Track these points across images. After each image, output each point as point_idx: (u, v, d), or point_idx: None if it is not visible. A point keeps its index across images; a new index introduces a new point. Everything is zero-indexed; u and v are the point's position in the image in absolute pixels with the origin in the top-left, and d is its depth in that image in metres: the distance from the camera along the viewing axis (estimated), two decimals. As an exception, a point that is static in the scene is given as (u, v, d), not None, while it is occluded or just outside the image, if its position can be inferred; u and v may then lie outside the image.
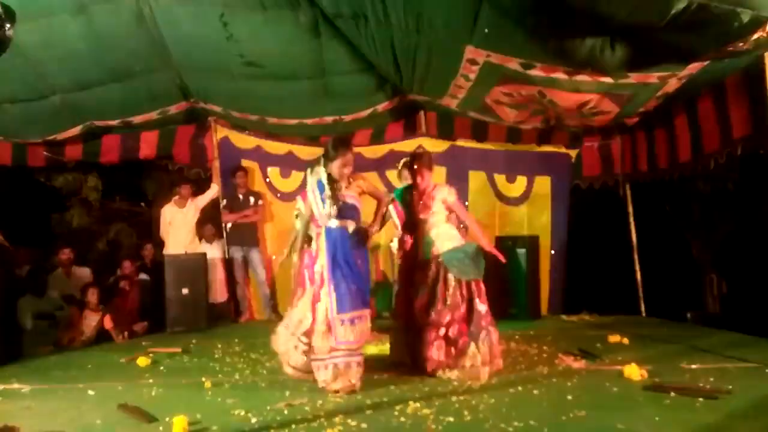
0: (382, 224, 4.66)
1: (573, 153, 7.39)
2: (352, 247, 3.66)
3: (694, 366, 3.99)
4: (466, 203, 6.71)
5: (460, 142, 7.28)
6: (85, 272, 6.81)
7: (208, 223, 7.24)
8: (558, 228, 7.31)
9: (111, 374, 4.22)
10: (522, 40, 4.84)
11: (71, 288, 6.36)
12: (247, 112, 6.71)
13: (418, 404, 3.18)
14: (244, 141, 7.20)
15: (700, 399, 3.17)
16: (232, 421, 2.98)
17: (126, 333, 6.05)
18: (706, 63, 4.80)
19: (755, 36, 4.16)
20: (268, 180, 7.23)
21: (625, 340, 5.07)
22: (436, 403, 3.22)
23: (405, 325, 4.12)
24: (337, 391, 3.47)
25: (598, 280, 6.54)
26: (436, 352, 3.89)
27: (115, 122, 6.57)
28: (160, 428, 2.91)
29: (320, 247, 3.70)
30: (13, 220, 6.43)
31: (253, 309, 7.11)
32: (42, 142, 6.74)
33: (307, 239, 3.90)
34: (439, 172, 7.20)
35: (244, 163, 7.13)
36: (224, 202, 7.02)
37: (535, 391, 3.46)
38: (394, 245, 4.58)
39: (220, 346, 5.16)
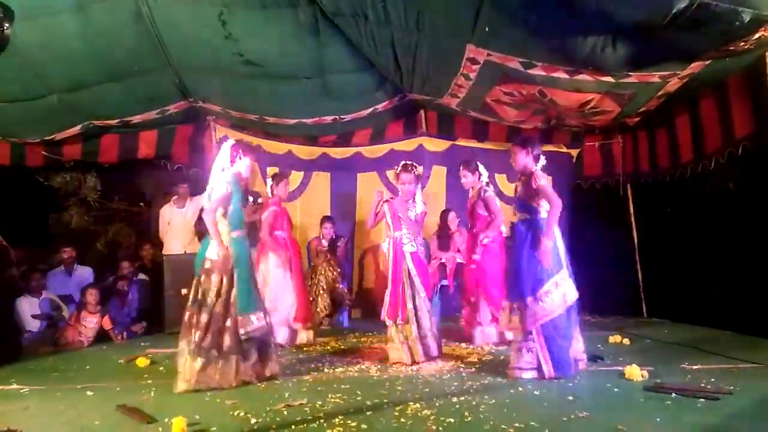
0: (376, 223, 4.67)
1: (574, 152, 7.38)
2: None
3: (695, 366, 3.98)
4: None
5: (461, 142, 7.26)
6: (86, 272, 6.78)
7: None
8: (559, 228, 7.26)
9: (110, 375, 4.21)
10: (523, 39, 4.83)
11: (71, 288, 6.33)
12: (247, 111, 6.69)
13: (418, 405, 3.16)
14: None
15: (702, 400, 3.16)
16: (231, 422, 2.96)
17: (124, 333, 6.03)
18: (707, 62, 4.79)
19: (757, 35, 4.15)
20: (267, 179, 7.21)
21: (626, 341, 5.07)
22: (436, 403, 3.21)
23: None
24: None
25: (599, 281, 6.50)
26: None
27: (113, 122, 6.55)
28: (159, 429, 2.89)
29: None
30: (11, 219, 6.40)
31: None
32: (40, 142, 6.72)
33: None
34: (440, 172, 7.20)
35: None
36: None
37: (536, 392, 3.45)
38: (385, 245, 4.55)
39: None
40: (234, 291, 3.79)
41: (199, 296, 3.79)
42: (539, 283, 3.77)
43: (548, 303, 3.74)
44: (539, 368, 3.76)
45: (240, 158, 3.99)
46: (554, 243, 3.86)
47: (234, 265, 3.81)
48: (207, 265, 3.83)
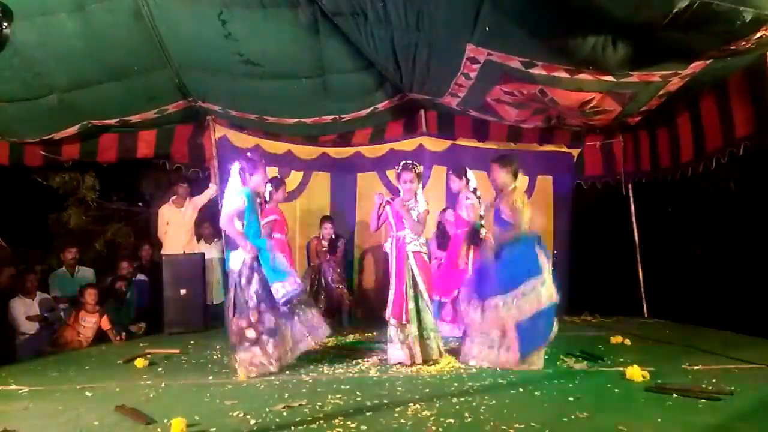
0: (379, 226, 4.67)
1: (575, 152, 7.38)
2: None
3: (696, 367, 3.97)
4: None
5: (461, 142, 7.24)
6: (88, 273, 6.77)
7: (207, 222, 7.20)
8: (560, 228, 7.28)
9: (109, 375, 4.19)
10: (523, 39, 4.82)
11: (74, 289, 6.31)
12: (246, 111, 6.67)
13: (418, 406, 3.15)
14: (242, 140, 7.15)
15: (703, 400, 3.15)
16: (230, 423, 2.95)
17: (123, 334, 6.02)
18: (708, 62, 4.78)
19: (758, 35, 4.14)
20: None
21: (627, 341, 5.06)
22: (436, 404, 3.20)
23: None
24: None
25: (600, 281, 6.51)
26: None
27: (112, 121, 6.53)
28: (159, 430, 2.88)
29: None
30: (9, 220, 6.39)
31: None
32: (39, 142, 6.70)
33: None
34: (440, 172, 7.19)
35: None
36: (223, 201, 6.99)
37: (537, 393, 3.44)
38: (388, 245, 4.56)
39: (218, 347, 5.13)
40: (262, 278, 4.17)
41: (238, 301, 4.15)
42: (514, 286, 4.04)
43: (522, 304, 4.01)
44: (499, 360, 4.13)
45: (250, 178, 4.28)
46: (531, 249, 4.09)
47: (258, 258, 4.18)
48: (234, 275, 4.19)
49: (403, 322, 4.33)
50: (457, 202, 5.63)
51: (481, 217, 5.28)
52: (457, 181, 5.46)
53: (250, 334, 4.07)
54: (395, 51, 5.36)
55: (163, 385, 3.83)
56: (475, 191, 5.42)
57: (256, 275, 4.15)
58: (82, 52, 5.30)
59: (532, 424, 2.78)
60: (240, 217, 4.20)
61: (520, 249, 4.11)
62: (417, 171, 4.54)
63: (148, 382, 3.94)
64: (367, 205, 4.27)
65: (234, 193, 4.22)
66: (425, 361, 4.30)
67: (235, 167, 4.31)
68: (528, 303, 4.01)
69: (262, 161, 4.44)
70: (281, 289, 4.16)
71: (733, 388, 3.33)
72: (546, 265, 4.10)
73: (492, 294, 4.14)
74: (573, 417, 2.90)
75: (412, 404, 3.18)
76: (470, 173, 5.46)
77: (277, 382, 3.84)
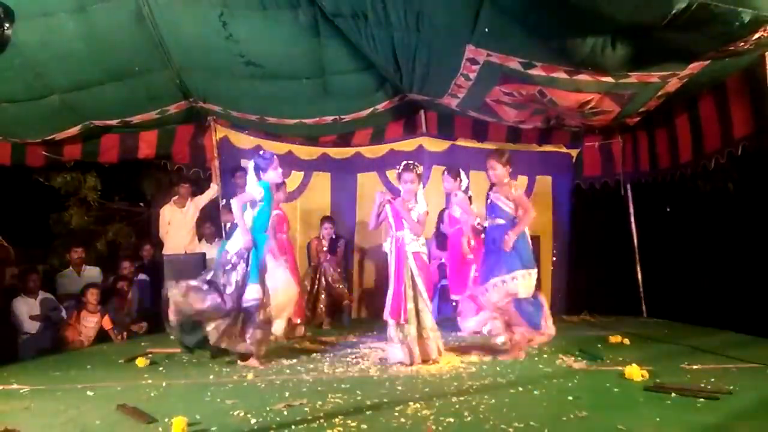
0: (378, 225, 4.67)
1: (574, 153, 7.39)
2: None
3: (695, 366, 3.98)
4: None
5: (460, 142, 7.26)
6: (94, 272, 6.79)
7: (208, 222, 7.22)
8: (559, 228, 7.30)
9: (110, 375, 4.21)
10: (522, 40, 4.84)
11: (80, 288, 6.32)
12: (247, 111, 6.69)
13: (418, 405, 3.16)
14: (243, 141, 7.19)
15: (701, 399, 3.15)
16: (231, 422, 2.96)
17: (125, 333, 6.04)
18: (707, 62, 4.79)
19: (756, 35, 4.15)
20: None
21: (626, 341, 5.07)
22: (436, 403, 3.21)
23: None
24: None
25: (599, 281, 6.52)
26: None
27: (114, 122, 6.56)
28: (159, 429, 2.89)
29: None
30: (11, 219, 6.41)
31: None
32: (41, 142, 6.72)
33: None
34: (440, 173, 7.20)
35: (244, 162, 7.12)
36: (224, 201, 7.01)
37: (536, 392, 3.45)
38: (387, 245, 4.56)
39: (219, 346, 5.14)
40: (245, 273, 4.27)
41: (214, 280, 4.26)
42: (510, 270, 4.39)
43: (514, 285, 4.38)
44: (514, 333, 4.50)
45: (263, 174, 4.46)
46: (527, 242, 4.49)
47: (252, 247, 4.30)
48: (225, 257, 4.33)
49: (402, 321, 4.34)
50: (449, 202, 5.70)
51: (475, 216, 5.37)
52: (451, 181, 5.52)
53: (223, 307, 4.18)
54: (395, 52, 5.38)
55: (164, 384, 3.84)
56: (466, 190, 5.45)
57: (242, 266, 4.26)
58: (84, 53, 5.33)
59: (531, 423, 2.79)
60: (252, 207, 4.37)
61: (522, 237, 4.45)
62: (418, 171, 4.55)
63: (150, 381, 3.95)
64: (367, 205, 4.31)
65: (254, 185, 4.42)
66: (424, 361, 4.31)
67: (250, 165, 4.51)
68: (515, 287, 4.41)
69: (274, 158, 4.55)
70: (254, 294, 4.29)
71: (731, 387, 3.34)
72: (531, 258, 4.52)
73: (496, 275, 4.45)
74: (572, 416, 2.90)
75: (411, 403, 3.19)
76: (463, 174, 5.51)
77: (278, 382, 3.86)
